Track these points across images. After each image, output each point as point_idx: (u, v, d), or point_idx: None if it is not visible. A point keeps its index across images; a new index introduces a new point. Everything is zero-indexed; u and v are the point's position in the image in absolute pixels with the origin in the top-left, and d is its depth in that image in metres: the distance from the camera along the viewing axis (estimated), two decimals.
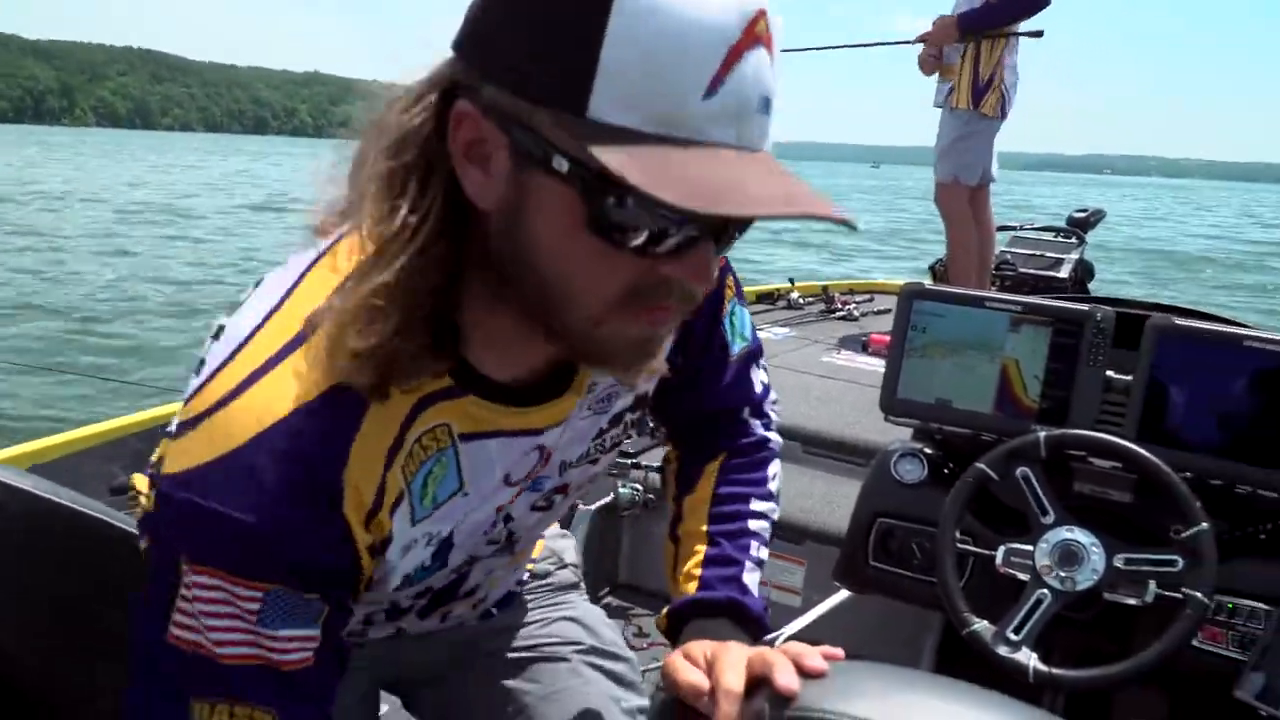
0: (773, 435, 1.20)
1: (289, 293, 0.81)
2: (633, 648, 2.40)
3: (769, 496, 1.15)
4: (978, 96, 4.22)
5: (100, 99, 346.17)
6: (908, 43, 4.54)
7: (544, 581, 1.35)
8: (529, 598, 1.32)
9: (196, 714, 0.76)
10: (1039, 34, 4.24)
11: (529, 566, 1.32)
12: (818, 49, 5.47)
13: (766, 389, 1.20)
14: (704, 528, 1.10)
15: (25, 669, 1.31)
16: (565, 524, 2.69)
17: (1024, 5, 4.13)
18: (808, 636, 2.25)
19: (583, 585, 1.41)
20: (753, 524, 1.11)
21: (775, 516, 1.14)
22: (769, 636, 2.23)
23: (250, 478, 0.74)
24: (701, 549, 1.08)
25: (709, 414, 1.15)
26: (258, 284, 0.85)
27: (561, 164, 0.68)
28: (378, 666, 1.20)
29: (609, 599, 2.83)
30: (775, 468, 1.18)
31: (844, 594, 2.28)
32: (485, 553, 1.02)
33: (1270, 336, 1.66)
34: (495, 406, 0.87)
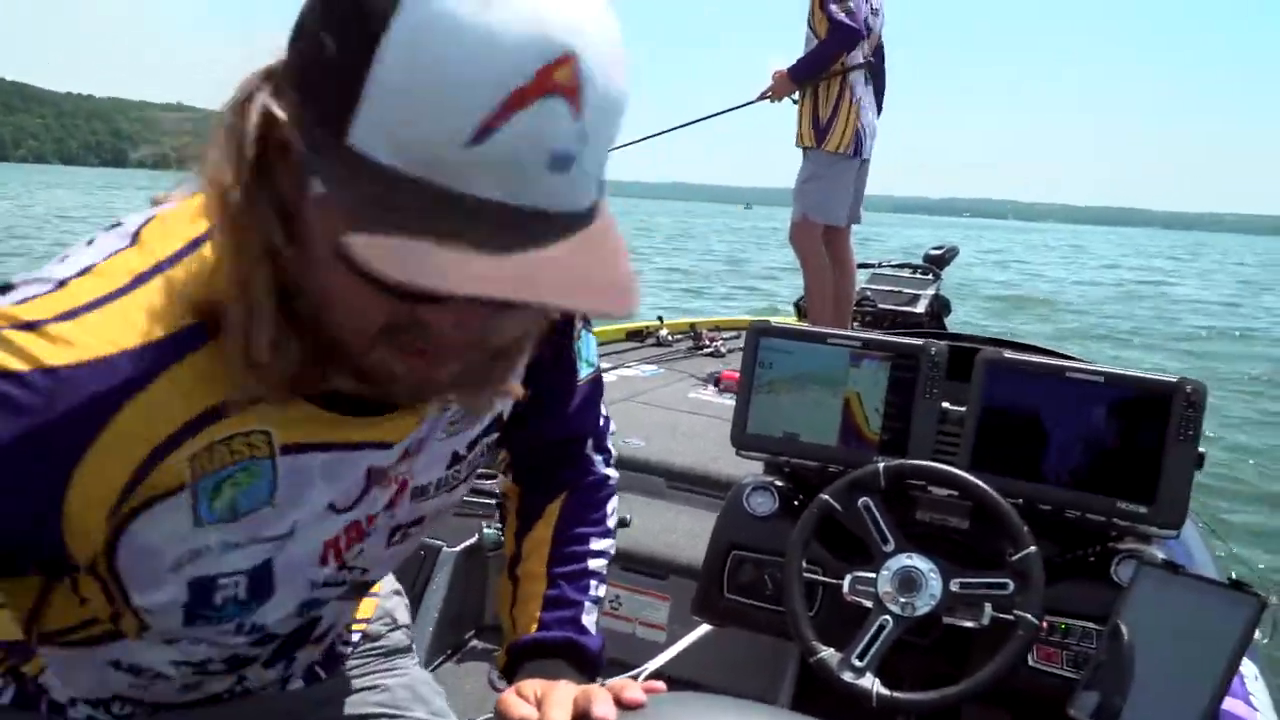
0: (612, 472, 1.21)
1: (135, 236, 0.78)
2: (496, 689, 2.39)
3: (608, 534, 1.16)
4: (820, 134, 4.35)
5: None
6: (752, 103, 4.70)
7: (376, 644, 1.31)
8: (359, 662, 1.28)
9: None
10: (863, 66, 4.39)
11: (360, 627, 1.28)
12: (667, 130, 5.44)
13: (607, 420, 1.21)
14: (543, 569, 1.11)
15: None
16: (428, 568, 2.66)
17: (837, 43, 4.25)
18: (672, 671, 2.27)
19: (415, 649, 1.37)
20: (592, 563, 1.12)
21: (611, 552, 1.15)
22: (633, 671, 2.25)
23: (38, 376, 0.69)
24: (540, 589, 1.09)
25: (552, 443, 1.14)
26: (90, 241, 0.80)
27: (317, 188, 0.65)
28: None
29: (475, 641, 2.80)
30: (614, 503, 1.19)
31: (707, 627, 2.31)
32: (331, 595, 0.98)
33: (1091, 368, 1.75)
34: (327, 414, 0.82)
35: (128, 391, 0.72)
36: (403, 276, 0.59)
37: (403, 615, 1.36)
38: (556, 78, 0.60)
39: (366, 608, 1.28)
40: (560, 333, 1.02)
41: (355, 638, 1.28)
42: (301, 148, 0.65)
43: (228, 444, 0.79)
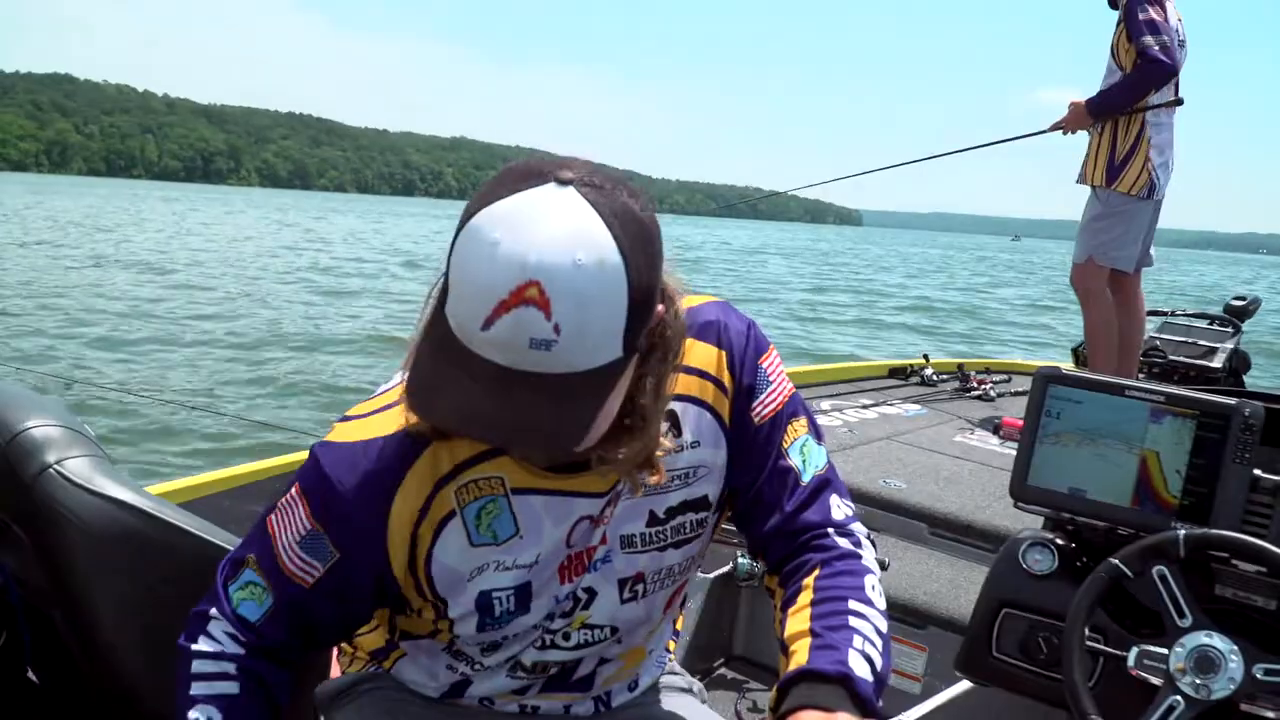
0: (863, 552, 1.22)
1: (392, 388, 1.18)
2: None
3: (868, 602, 1.15)
4: (1112, 174, 4.07)
5: (264, 161, 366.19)
6: (1042, 133, 4.44)
7: (661, 685, 1.46)
8: (644, 698, 1.42)
9: (248, 561, 1.20)
10: (1178, 102, 4.07)
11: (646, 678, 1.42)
12: (955, 152, 5.39)
13: (850, 518, 1.26)
14: (806, 626, 1.11)
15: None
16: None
17: (1147, 79, 3.95)
18: None
19: (698, 690, 1.54)
20: (853, 620, 1.11)
21: (881, 626, 1.13)
22: None
23: (347, 457, 1.13)
24: (806, 642, 1.09)
25: (789, 534, 1.23)
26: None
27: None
28: None
29: (723, 670, 2.79)
30: (873, 581, 1.19)
31: (966, 684, 2.20)
32: (566, 626, 1.22)
33: None
34: (538, 471, 1.14)
35: (412, 457, 1.13)
36: (411, 408, 1.01)
37: (681, 670, 1.53)
38: (527, 295, 0.90)
39: (635, 659, 1.36)
40: (769, 435, 1.22)
41: (645, 682, 1.41)
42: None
43: (476, 483, 1.14)
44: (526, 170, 0.96)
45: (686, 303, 1.18)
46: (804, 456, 1.23)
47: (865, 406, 4.21)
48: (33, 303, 14.55)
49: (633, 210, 0.95)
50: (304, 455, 1.19)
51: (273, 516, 1.18)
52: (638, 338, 0.98)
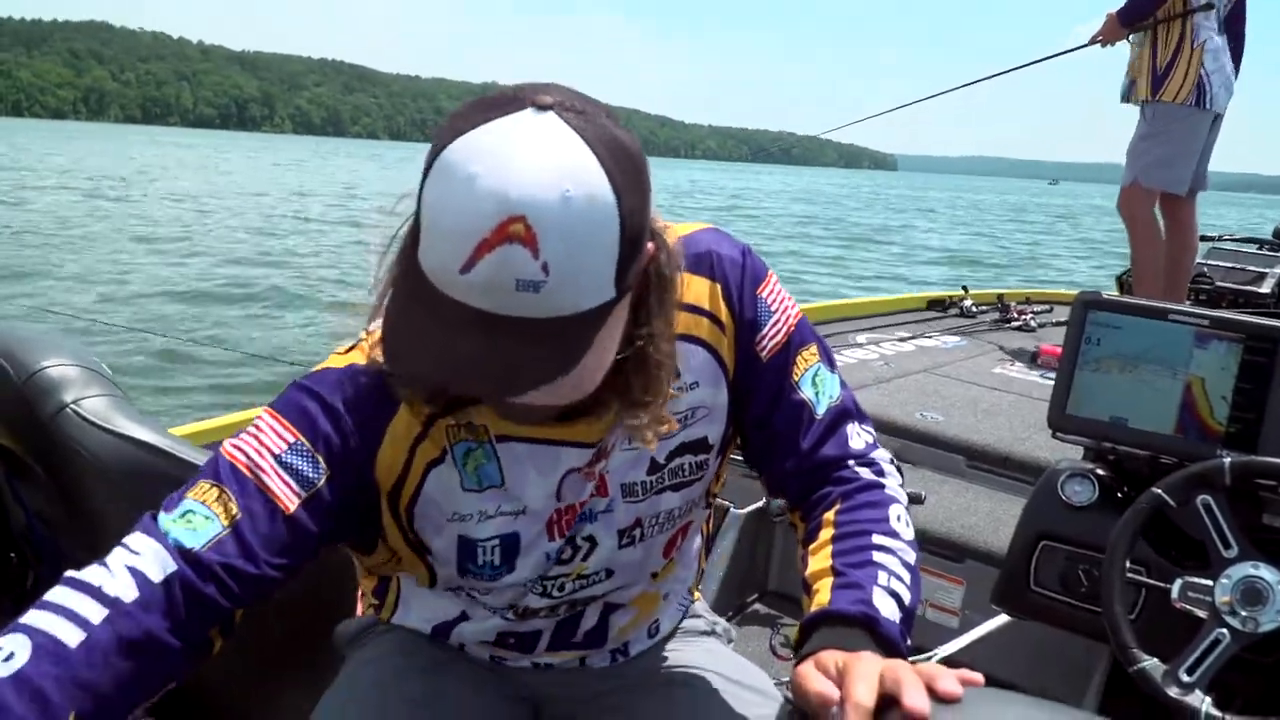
0: (886, 481, 1.15)
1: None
2: (779, 657, 2.35)
3: (893, 534, 1.08)
4: (1157, 83, 3.88)
5: (297, 108, 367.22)
6: (1081, 48, 4.28)
7: (682, 630, 1.40)
8: (671, 645, 1.36)
9: (196, 488, 0.98)
10: (1209, 6, 3.90)
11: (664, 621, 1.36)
12: (991, 76, 5.25)
13: (871, 445, 1.18)
14: (828, 564, 1.05)
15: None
16: (714, 527, 2.65)
17: None
18: (963, 659, 2.15)
19: (723, 630, 1.46)
20: (877, 555, 1.05)
21: (908, 557, 1.07)
22: (921, 656, 2.14)
23: (336, 377, 1.03)
24: (828, 581, 1.03)
25: (808, 471, 1.16)
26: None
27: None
28: (521, 690, 1.30)
29: (756, 606, 2.78)
30: (898, 510, 1.12)
31: (1004, 618, 2.16)
32: (566, 574, 1.15)
33: None
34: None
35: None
36: (387, 362, 0.92)
37: (705, 609, 1.46)
38: (510, 231, 0.81)
39: (649, 605, 1.31)
40: (774, 373, 1.14)
41: (664, 629, 1.36)
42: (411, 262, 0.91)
43: (465, 426, 1.06)
44: (499, 97, 0.87)
45: (677, 232, 1.10)
46: (817, 388, 1.16)
47: (903, 339, 4.14)
48: (67, 249, 14.72)
49: (621, 139, 0.87)
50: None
51: (230, 446, 1.00)
52: (629, 276, 0.89)
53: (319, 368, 1.06)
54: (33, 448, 1.45)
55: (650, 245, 0.94)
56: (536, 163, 0.82)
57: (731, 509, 2.67)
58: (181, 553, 0.93)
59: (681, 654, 1.35)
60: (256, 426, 1.01)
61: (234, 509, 0.95)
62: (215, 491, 0.96)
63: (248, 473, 0.97)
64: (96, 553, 1.41)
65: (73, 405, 1.41)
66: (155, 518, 0.96)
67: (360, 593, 1.37)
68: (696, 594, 1.45)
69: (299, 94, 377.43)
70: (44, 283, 11.59)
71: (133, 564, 0.92)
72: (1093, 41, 4.16)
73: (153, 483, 1.40)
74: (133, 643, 0.89)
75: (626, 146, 0.87)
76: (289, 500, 0.98)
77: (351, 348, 1.06)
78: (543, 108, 0.85)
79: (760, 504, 2.71)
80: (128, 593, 0.90)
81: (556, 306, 0.84)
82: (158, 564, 0.92)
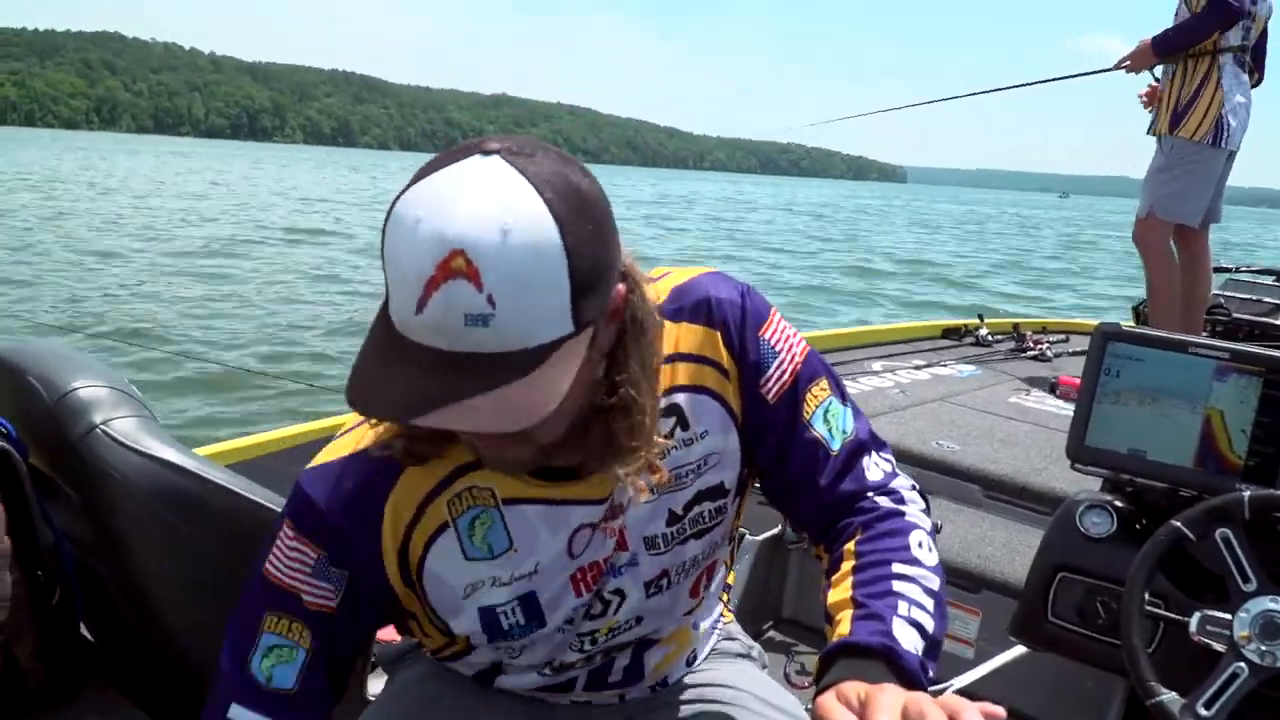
0: (907, 508, 1.15)
1: None
2: (794, 685, 2.35)
3: (915, 562, 1.09)
4: (1176, 120, 3.92)
5: (308, 118, 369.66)
6: (1105, 71, 4.30)
7: (719, 653, 1.42)
8: (706, 666, 1.38)
9: (267, 621, 1.07)
10: (1244, 49, 3.93)
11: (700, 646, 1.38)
12: (1010, 87, 5.28)
13: (890, 475, 1.19)
14: (849, 595, 1.06)
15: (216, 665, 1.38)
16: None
17: (1209, 20, 3.82)
18: (979, 691, 2.14)
19: (756, 652, 1.47)
20: (897, 585, 1.06)
21: (931, 584, 1.08)
22: (937, 687, 2.14)
23: (330, 478, 1.07)
24: (848, 613, 1.04)
25: (828, 507, 1.17)
26: None
27: None
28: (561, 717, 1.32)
29: (771, 633, 2.77)
30: (919, 537, 1.13)
31: (1021, 649, 2.16)
32: (596, 628, 1.18)
33: None
34: (530, 481, 1.08)
35: (400, 466, 1.07)
36: (351, 404, 0.89)
37: (738, 630, 1.48)
38: (453, 266, 0.82)
39: (683, 640, 1.33)
40: (787, 413, 1.14)
41: (701, 655, 1.39)
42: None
43: (470, 492, 1.08)
44: (455, 149, 0.90)
45: (676, 278, 1.15)
46: (829, 424, 1.16)
47: (918, 367, 4.15)
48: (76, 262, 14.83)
49: (567, 176, 0.88)
50: (350, 417, 1.13)
51: (267, 566, 1.09)
52: (590, 312, 0.89)
53: (320, 459, 1.11)
54: (62, 468, 1.47)
55: (620, 287, 0.95)
56: (475, 200, 0.84)
57: (747, 535, 2.67)
58: (278, 698, 1.07)
59: (717, 673, 1.37)
60: (280, 542, 1.09)
61: (304, 632, 1.07)
62: (285, 622, 1.07)
63: (292, 592, 1.07)
64: (125, 573, 1.44)
65: (102, 426, 1.43)
66: (241, 664, 1.07)
67: None
68: (728, 614, 1.46)
69: (310, 104, 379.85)
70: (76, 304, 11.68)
71: None
72: (1119, 66, 4.18)
73: (179, 502, 1.42)
74: None
75: (576, 185, 0.88)
76: (329, 604, 1.07)
77: (351, 429, 1.12)
78: (488, 153, 0.87)
79: (775, 531, 2.71)
80: None
81: (509, 340, 0.85)
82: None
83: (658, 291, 1.10)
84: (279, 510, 1.28)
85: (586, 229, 0.87)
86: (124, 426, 1.44)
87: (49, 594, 1.49)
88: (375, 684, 1.48)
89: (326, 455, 1.10)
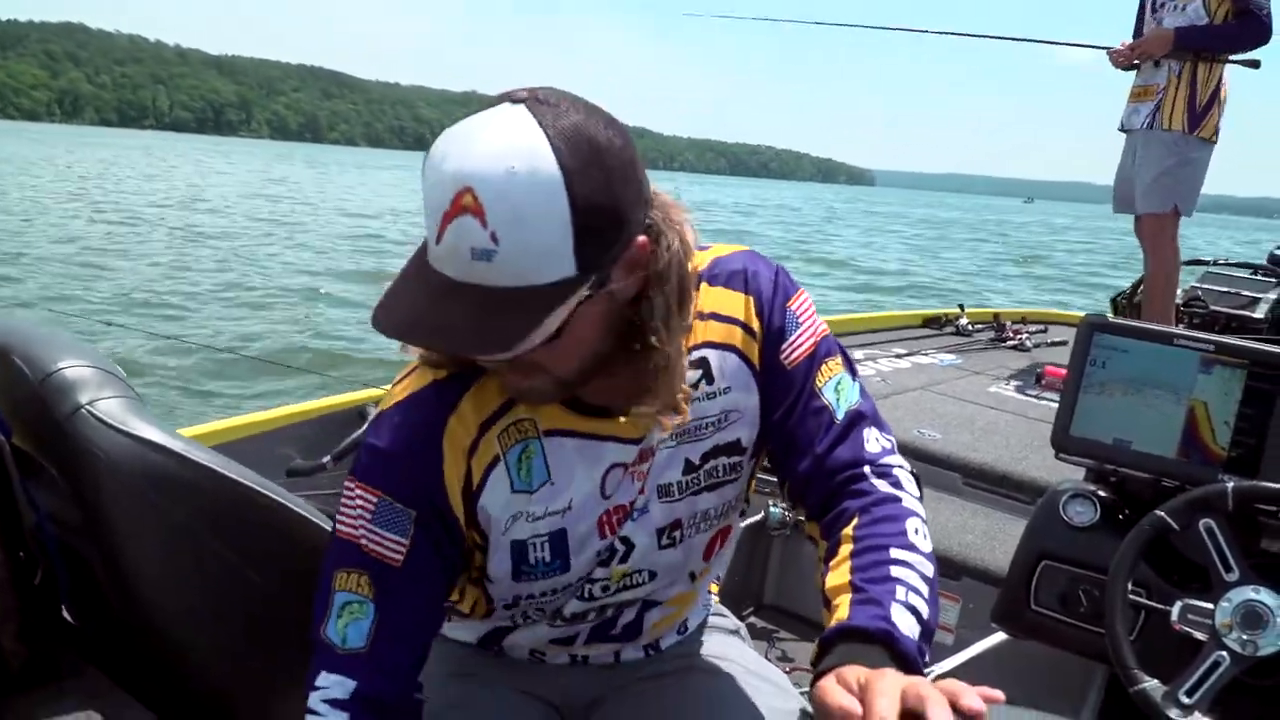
0: (902, 494, 1.18)
1: None
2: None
3: (911, 548, 1.11)
4: (1195, 120, 3.99)
5: (274, 113, 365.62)
6: (1109, 48, 4.27)
7: (709, 628, 1.46)
8: (691, 637, 1.43)
9: (337, 579, 1.11)
10: (1256, 64, 3.99)
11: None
12: (1015, 39, 5.50)
13: (886, 450, 1.22)
14: (847, 579, 1.07)
15: (199, 647, 1.37)
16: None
17: (1249, 36, 3.90)
18: (960, 677, 2.15)
19: (744, 632, 1.51)
20: (895, 570, 1.07)
21: (926, 571, 1.09)
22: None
23: (390, 422, 1.13)
24: (847, 597, 1.05)
25: (825, 475, 1.19)
26: None
27: None
28: (555, 688, 1.37)
29: (753, 619, 2.79)
30: (915, 524, 1.15)
31: (1001, 636, 2.18)
32: (598, 574, 1.22)
33: None
34: (570, 413, 1.14)
35: (453, 400, 1.13)
36: (374, 323, 0.97)
37: (724, 609, 1.52)
38: (463, 203, 0.90)
39: (683, 604, 1.37)
40: (798, 378, 1.20)
41: (692, 626, 1.43)
42: None
43: (517, 425, 1.14)
44: (494, 98, 0.97)
45: (717, 252, 1.22)
46: (838, 395, 1.21)
47: (899, 356, 4.17)
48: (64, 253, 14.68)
49: (585, 128, 0.93)
50: (341, 398, 1.18)
51: (339, 524, 1.13)
52: (598, 258, 0.95)
53: (377, 412, 1.17)
54: (47, 448, 1.46)
55: (643, 239, 0.99)
56: (489, 143, 0.91)
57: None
58: (353, 658, 1.09)
59: (709, 646, 1.41)
60: (346, 498, 1.13)
61: (370, 586, 1.10)
62: (354, 577, 1.10)
63: (359, 545, 1.11)
64: (109, 554, 1.42)
65: (88, 406, 1.41)
66: (321, 630, 1.11)
67: None
68: (714, 589, 1.50)
69: (276, 99, 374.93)
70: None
71: (329, 698, 1.08)
72: (1130, 49, 4.18)
73: (165, 485, 1.41)
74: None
75: (590, 134, 0.93)
76: (396, 554, 1.10)
77: (404, 376, 1.18)
78: (516, 101, 0.94)
79: (758, 517, 2.72)
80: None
81: (511, 276, 0.92)
82: (344, 690, 1.08)
83: (698, 261, 1.16)
84: (264, 491, 1.31)
85: (595, 178, 0.92)
86: (109, 407, 1.43)
87: (31, 575, 1.48)
88: None
89: (385, 404, 1.16)
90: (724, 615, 1.50)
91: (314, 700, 1.08)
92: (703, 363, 1.18)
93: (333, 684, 1.07)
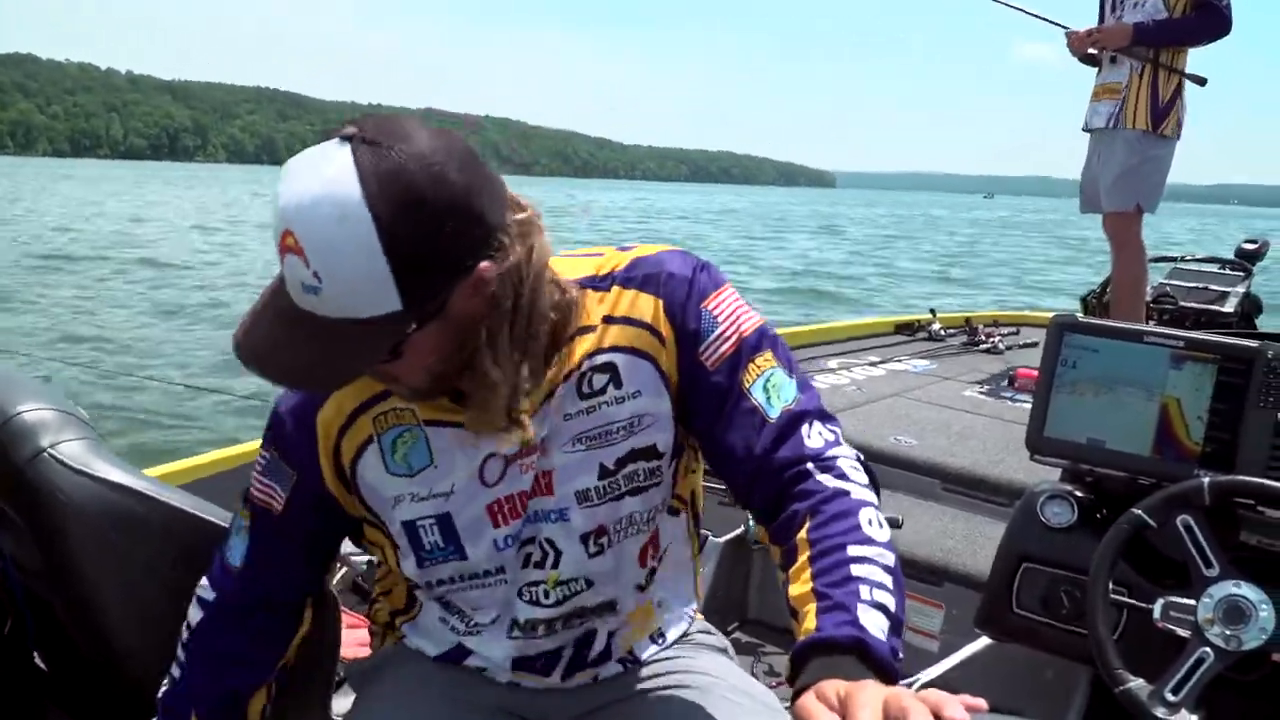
0: (850, 485, 1.14)
1: None
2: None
3: (867, 541, 1.08)
4: (1158, 118, 4.00)
5: (230, 137, 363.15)
6: (1069, 29, 4.21)
7: (689, 640, 1.43)
8: (678, 652, 1.40)
9: (241, 512, 1.29)
10: (1202, 81, 4.03)
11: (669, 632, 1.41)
12: None
13: (830, 444, 1.18)
14: (809, 588, 1.05)
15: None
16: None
17: (1208, 28, 3.92)
18: (946, 684, 2.15)
19: (731, 651, 1.47)
20: (855, 569, 1.04)
21: (886, 561, 1.07)
22: (904, 682, 2.14)
23: (290, 396, 1.23)
24: (812, 606, 1.03)
25: (769, 474, 1.16)
26: None
27: None
28: (530, 711, 1.35)
29: (737, 634, 2.77)
30: (869, 514, 1.11)
31: (985, 641, 2.17)
32: (531, 577, 1.24)
33: None
34: (450, 404, 1.16)
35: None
36: (234, 346, 1.05)
37: (714, 629, 1.49)
38: (287, 243, 0.96)
39: (645, 616, 1.36)
40: (722, 380, 1.18)
41: (670, 639, 1.40)
42: None
43: (395, 412, 1.20)
44: (334, 128, 1.00)
45: (640, 252, 1.23)
46: (769, 393, 1.18)
47: (873, 364, 4.17)
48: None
49: (406, 171, 0.95)
50: None
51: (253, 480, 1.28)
52: (424, 294, 0.99)
53: None
54: (9, 493, 1.43)
55: (485, 265, 1.01)
56: (306, 185, 0.95)
57: (710, 537, 2.67)
58: (227, 571, 1.29)
59: (692, 662, 1.37)
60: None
61: (251, 519, 1.27)
62: (246, 511, 1.28)
63: (251, 487, 1.28)
64: (76, 598, 1.40)
65: (50, 450, 1.39)
66: (220, 548, 1.31)
67: (348, 630, 1.39)
68: (698, 609, 1.47)
69: (232, 123, 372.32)
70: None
71: (201, 594, 1.31)
72: (1088, 34, 4.15)
73: (130, 526, 1.39)
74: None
75: (409, 176, 0.95)
76: (277, 502, 1.25)
77: None
78: (345, 139, 0.97)
79: (739, 531, 2.70)
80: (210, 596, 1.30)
81: (336, 309, 0.98)
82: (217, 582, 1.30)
83: (619, 261, 1.21)
84: (230, 527, 1.33)
85: (412, 219, 0.95)
86: (72, 450, 1.40)
87: (0, 625, 1.45)
88: (343, 702, 1.45)
89: None
90: (711, 633, 1.46)
91: (196, 591, 1.30)
92: (609, 367, 1.18)
93: (205, 588, 1.30)
